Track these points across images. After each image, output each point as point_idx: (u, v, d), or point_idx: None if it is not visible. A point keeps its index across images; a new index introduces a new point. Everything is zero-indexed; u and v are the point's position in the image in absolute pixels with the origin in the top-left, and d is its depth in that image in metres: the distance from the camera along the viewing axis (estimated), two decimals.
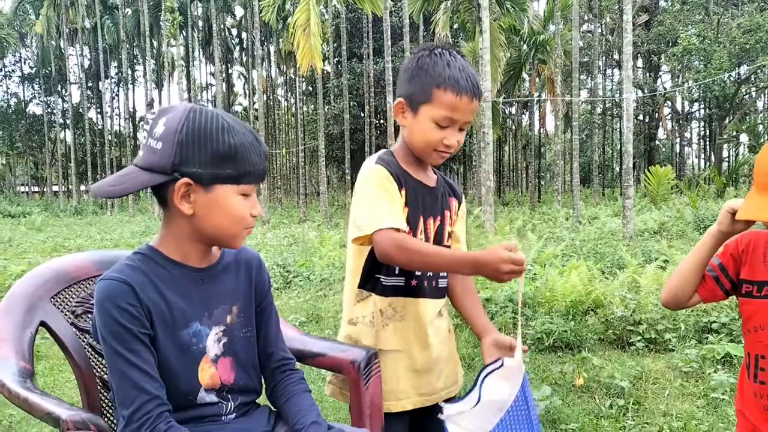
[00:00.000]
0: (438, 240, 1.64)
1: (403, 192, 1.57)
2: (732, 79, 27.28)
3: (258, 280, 1.46)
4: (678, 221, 12.96)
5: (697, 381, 3.60)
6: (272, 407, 1.48)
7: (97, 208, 29.58)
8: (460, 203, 1.75)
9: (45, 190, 46.98)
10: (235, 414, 1.37)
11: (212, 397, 1.34)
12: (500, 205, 25.94)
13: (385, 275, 1.58)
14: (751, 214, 1.41)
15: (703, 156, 43.35)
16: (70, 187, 39.16)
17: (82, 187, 41.62)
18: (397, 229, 1.46)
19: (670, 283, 1.63)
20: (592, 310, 5.02)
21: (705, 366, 3.75)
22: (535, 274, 6.38)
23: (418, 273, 1.60)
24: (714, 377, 3.46)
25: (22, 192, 50.52)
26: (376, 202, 1.50)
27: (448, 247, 1.67)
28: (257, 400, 1.47)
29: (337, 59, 29.38)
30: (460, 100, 1.51)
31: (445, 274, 1.66)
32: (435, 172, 1.71)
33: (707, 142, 39.84)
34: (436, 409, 1.53)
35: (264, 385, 1.48)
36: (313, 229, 14.32)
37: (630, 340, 4.33)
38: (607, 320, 4.60)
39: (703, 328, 4.38)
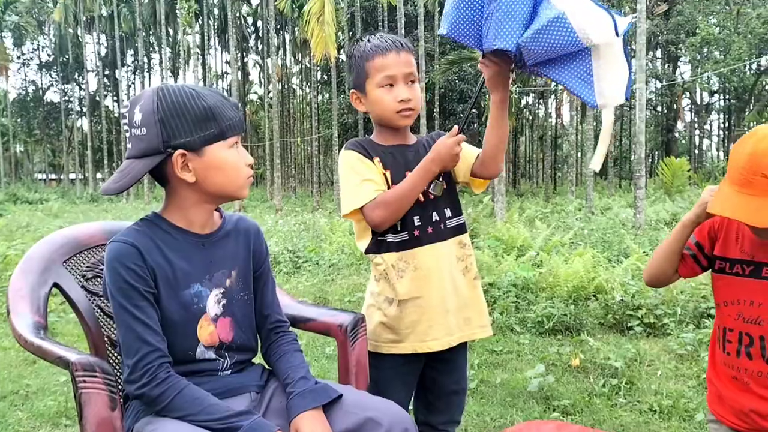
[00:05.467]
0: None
1: (377, 160, 1.73)
2: (752, 70, 26.98)
3: (256, 247, 1.57)
4: None
5: (691, 363, 3.68)
6: (266, 365, 1.59)
7: (113, 196, 29.91)
8: None
9: (62, 177, 47.58)
10: (231, 370, 1.49)
11: (210, 354, 1.45)
12: (515, 195, 25.91)
13: (391, 233, 1.73)
14: (727, 212, 1.42)
15: (722, 148, 42.89)
16: (86, 174, 39.68)
17: (99, 175, 42.09)
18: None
19: (651, 266, 1.72)
20: (593, 295, 5.10)
21: (700, 349, 3.83)
22: (541, 261, 6.46)
23: (418, 223, 1.73)
24: (707, 359, 3.53)
25: (40, 179, 51.20)
26: (347, 185, 1.71)
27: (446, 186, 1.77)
28: (253, 360, 1.58)
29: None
30: (387, 58, 1.69)
31: (450, 214, 1.79)
32: (416, 137, 1.87)
33: (726, 134, 39.43)
34: (456, 348, 1.77)
35: (260, 345, 1.59)
36: (325, 216, 14.46)
37: (629, 325, 4.41)
38: (607, 305, 4.68)
39: (702, 313, 4.45)
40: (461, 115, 26.45)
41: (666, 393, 3.21)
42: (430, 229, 1.74)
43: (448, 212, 1.78)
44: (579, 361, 3.68)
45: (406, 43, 1.74)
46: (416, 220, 1.72)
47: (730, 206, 1.41)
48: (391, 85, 1.71)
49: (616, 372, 3.44)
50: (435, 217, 1.75)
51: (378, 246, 1.74)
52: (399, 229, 1.72)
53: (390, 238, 1.73)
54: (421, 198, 1.72)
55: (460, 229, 1.81)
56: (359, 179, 1.69)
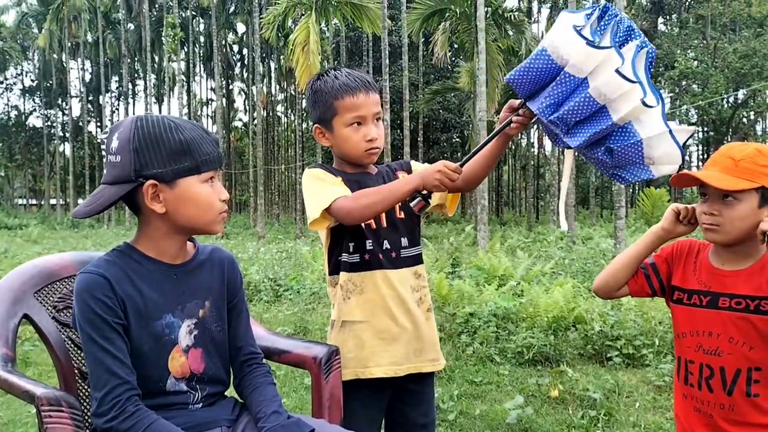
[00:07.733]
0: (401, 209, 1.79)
1: (340, 180, 1.74)
2: (729, 103, 27.58)
3: (230, 278, 1.57)
4: (669, 242, 13.04)
5: (668, 395, 3.69)
6: (238, 399, 1.58)
7: (93, 222, 29.62)
8: (410, 170, 1.89)
9: (43, 202, 47.12)
10: (201, 404, 1.47)
11: (181, 386, 1.44)
12: (498, 224, 26.05)
13: (345, 254, 1.74)
14: (692, 173, 1.54)
15: None
16: (67, 200, 39.28)
17: (80, 201, 41.67)
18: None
19: (604, 273, 1.73)
20: (573, 326, 5.11)
21: None
22: (522, 290, 6.47)
23: (370, 247, 1.73)
24: None
25: (20, 204, 50.64)
26: (315, 190, 1.69)
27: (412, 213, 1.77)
28: (225, 393, 1.57)
29: None
30: (357, 98, 1.70)
31: (407, 244, 1.78)
32: (377, 168, 1.88)
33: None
34: (416, 378, 1.75)
35: (232, 377, 1.58)
36: (307, 244, 14.40)
37: (608, 355, 4.42)
38: (586, 335, 4.69)
39: None
40: (445, 143, 26.57)
41: (644, 425, 3.21)
42: (380, 256, 1.74)
43: (404, 241, 1.78)
44: (558, 392, 3.67)
45: (372, 81, 1.77)
46: (368, 244, 1.73)
47: (695, 172, 1.54)
48: (359, 123, 1.72)
49: (594, 403, 3.44)
50: (386, 245, 1.75)
51: (337, 266, 1.76)
52: (352, 250, 1.73)
53: (344, 257, 1.74)
54: (373, 225, 1.73)
55: (417, 260, 1.81)
56: (326, 186, 1.69)
